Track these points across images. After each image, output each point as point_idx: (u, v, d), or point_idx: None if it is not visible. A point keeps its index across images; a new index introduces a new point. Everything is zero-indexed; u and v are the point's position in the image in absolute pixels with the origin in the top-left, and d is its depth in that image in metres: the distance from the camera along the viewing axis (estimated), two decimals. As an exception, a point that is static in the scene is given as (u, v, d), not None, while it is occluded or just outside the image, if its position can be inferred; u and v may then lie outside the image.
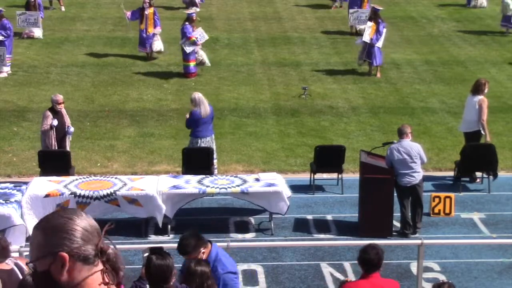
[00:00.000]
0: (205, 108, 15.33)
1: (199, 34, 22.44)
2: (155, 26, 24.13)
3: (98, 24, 29.02)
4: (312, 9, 31.88)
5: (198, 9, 31.35)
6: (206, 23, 29.50)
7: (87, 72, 23.06)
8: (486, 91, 15.65)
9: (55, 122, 15.00)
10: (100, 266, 2.95)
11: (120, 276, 3.01)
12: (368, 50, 22.71)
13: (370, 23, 22.81)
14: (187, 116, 15.44)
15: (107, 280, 2.94)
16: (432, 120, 19.44)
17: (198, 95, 15.49)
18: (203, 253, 7.89)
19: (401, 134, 13.42)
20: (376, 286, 7.75)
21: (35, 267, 2.96)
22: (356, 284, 8.01)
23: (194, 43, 22.21)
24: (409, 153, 13.20)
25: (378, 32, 22.73)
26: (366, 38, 22.59)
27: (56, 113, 14.96)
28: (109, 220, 13.38)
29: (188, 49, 22.28)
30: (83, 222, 2.97)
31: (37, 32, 26.62)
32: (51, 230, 2.92)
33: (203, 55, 22.84)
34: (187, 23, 22.43)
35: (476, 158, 15.22)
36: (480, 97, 15.49)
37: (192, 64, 22.66)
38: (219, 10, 31.60)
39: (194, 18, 22.74)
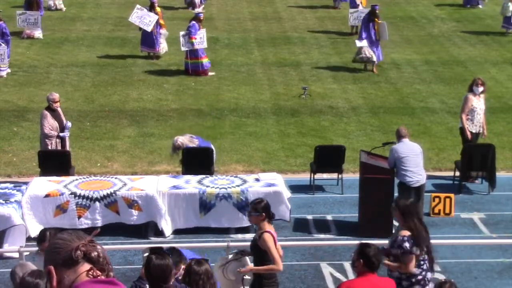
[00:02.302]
0: (191, 141, 15.07)
1: (200, 37, 22.45)
2: (160, 27, 24.19)
3: (98, 24, 29.03)
4: (312, 9, 31.89)
5: (196, 9, 31.44)
6: (206, 23, 29.48)
7: (87, 72, 23.06)
8: (478, 89, 15.66)
9: (69, 124, 15.13)
10: (87, 267, 3.33)
11: (110, 276, 3.40)
12: (372, 49, 22.84)
13: (382, 22, 22.95)
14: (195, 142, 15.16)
15: (98, 278, 3.33)
16: (432, 120, 19.44)
17: (180, 139, 14.93)
18: (183, 269, 7.85)
19: (401, 136, 13.39)
20: (373, 284, 7.74)
21: None
22: (353, 283, 8.00)
23: (192, 44, 22.28)
24: (414, 151, 13.20)
25: (381, 27, 22.97)
26: (384, 37, 22.88)
27: (54, 112, 14.94)
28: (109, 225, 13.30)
29: (184, 46, 22.33)
30: (59, 234, 3.41)
31: (37, 32, 26.62)
32: (45, 252, 3.48)
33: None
34: (194, 21, 22.53)
35: (476, 158, 15.20)
36: (466, 94, 15.86)
37: (205, 60, 22.73)
38: (219, 10, 31.61)
39: (202, 18, 22.82)
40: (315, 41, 27.04)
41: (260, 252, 9.30)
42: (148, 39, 24.07)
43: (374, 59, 23.01)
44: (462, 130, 15.76)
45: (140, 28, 24.15)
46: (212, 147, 15.25)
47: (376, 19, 23.11)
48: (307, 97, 20.83)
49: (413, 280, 9.08)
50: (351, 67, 23.64)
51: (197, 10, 23.70)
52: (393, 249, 9.09)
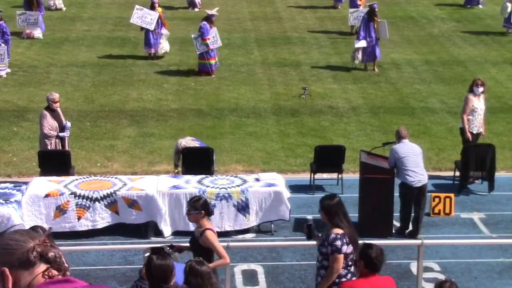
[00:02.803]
0: (193, 144, 15.10)
1: (213, 36, 22.45)
2: (161, 27, 24.08)
3: (98, 24, 29.03)
4: (312, 9, 31.89)
5: (197, 9, 31.43)
6: (206, 23, 29.49)
7: (87, 72, 23.07)
8: (478, 89, 15.67)
9: (69, 124, 15.12)
10: (43, 267, 3.22)
11: (67, 275, 3.29)
12: (371, 48, 22.91)
13: (381, 21, 23.04)
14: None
15: (53, 278, 3.23)
16: (432, 120, 19.44)
17: (182, 142, 14.99)
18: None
19: (401, 136, 13.38)
20: (374, 285, 7.74)
21: None
22: (355, 283, 7.99)
23: (206, 45, 22.34)
24: (413, 150, 13.21)
25: (381, 26, 23.04)
26: (384, 35, 22.97)
27: (53, 112, 14.93)
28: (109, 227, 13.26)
29: (199, 49, 22.43)
30: (11, 235, 3.29)
31: (37, 32, 26.61)
32: None
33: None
34: (205, 22, 22.54)
35: (476, 158, 15.19)
36: (466, 95, 15.91)
37: (213, 62, 22.77)
38: (219, 10, 31.56)
39: (213, 20, 22.80)
40: (315, 41, 27.04)
41: (202, 250, 9.17)
42: (149, 39, 24.00)
43: (357, 61, 23.11)
44: (463, 131, 15.78)
45: (142, 28, 24.09)
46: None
47: (375, 18, 23.15)
48: (307, 97, 20.83)
49: (337, 281, 8.61)
50: (351, 67, 23.64)
51: (212, 11, 23.48)
52: (322, 247, 8.77)
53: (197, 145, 15.01)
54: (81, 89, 21.49)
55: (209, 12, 23.37)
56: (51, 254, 3.22)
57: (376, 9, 23.46)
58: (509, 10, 27.58)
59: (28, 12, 26.35)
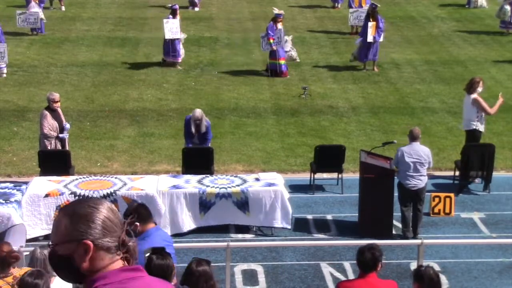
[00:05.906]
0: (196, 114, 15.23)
1: (278, 37, 22.45)
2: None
3: (98, 24, 29.03)
4: (312, 9, 31.90)
5: (197, 9, 31.43)
6: (206, 23, 29.51)
7: (87, 72, 23.06)
8: (480, 89, 15.67)
9: (68, 126, 15.11)
10: (120, 256, 3.22)
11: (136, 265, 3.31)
12: (368, 48, 22.90)
13: (370, 23, 22.93)
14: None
15: (125, 266, 3.22)
16: (432, 120, 19.44)
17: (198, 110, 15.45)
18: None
19: (414, 137, 13.37)
20: (372, 286, 7.75)
21: (55, 249, 3.20)
22: (352, 284, 8.01)
23: (270, 45, 22.41)
24: (419, 156, 13.19)
25: (379, 28, 22.96)
26: (370, 38, 22.76)
27: (53, 112, 14.92)
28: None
29: (264, 48, 22.57)
30: (108, 213, 3.20)
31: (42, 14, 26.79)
32: (78, 218, 3.17)
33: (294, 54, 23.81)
34: (271, 22, 22.67)
35: (476, 158, 15.19)
36: (473, 96, 15.58)
37: (282, 62, 22.78)
38: (219, 10, 31.60)
39: (279, 20, 22.79)
40: (315, 41, 27.04)
41: None
42: (170, 47, 23.20)
43: (352, 58, 23.24)
44: (476, 133, 15.62)
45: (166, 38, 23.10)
46: (211, 133, 15.49)
47: (371, 19, 23.13)
48: (307, 97, 20.83)
49: None
50: (351, 66, 23.65)
51: (277, 11, 23.47)
52: None
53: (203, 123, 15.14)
54: (81, 89, 21.49)
55: (275, 11, 23.40)
56: (130, 243, 3.24)
57: (372, 10, 23.37)
58: (509, 13, 27.56)
59: (28, 12, 26.34)
